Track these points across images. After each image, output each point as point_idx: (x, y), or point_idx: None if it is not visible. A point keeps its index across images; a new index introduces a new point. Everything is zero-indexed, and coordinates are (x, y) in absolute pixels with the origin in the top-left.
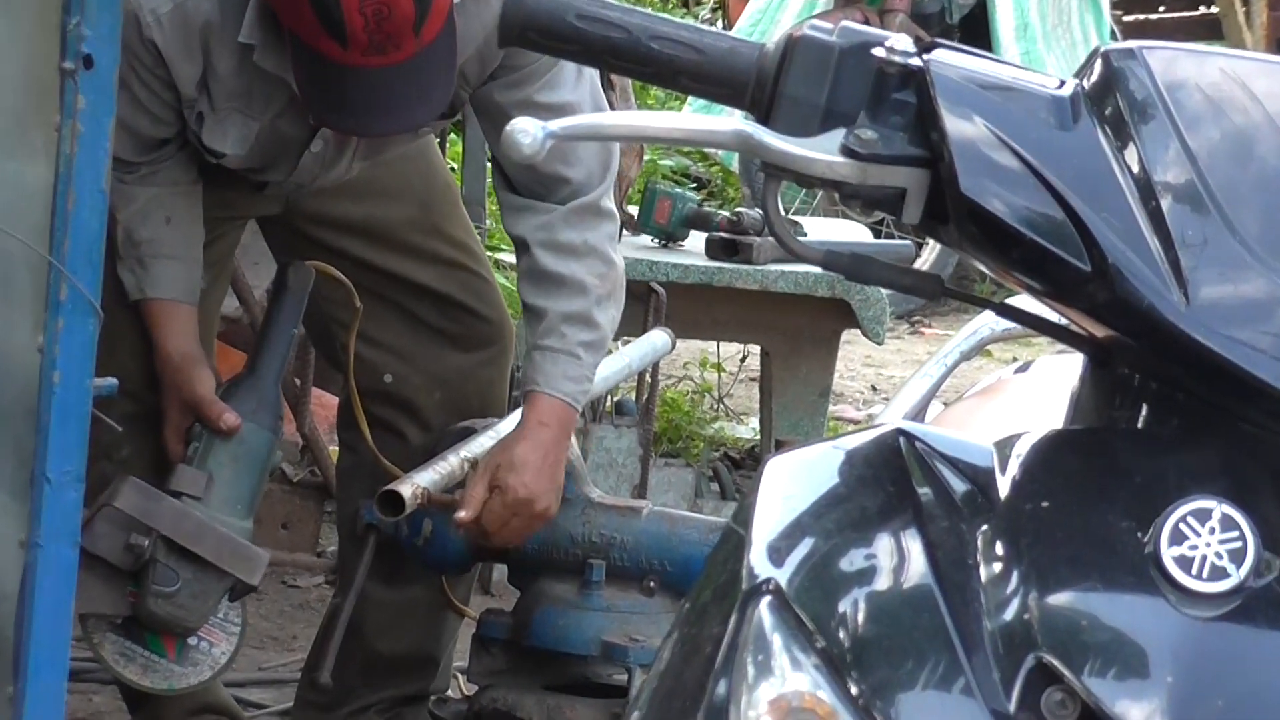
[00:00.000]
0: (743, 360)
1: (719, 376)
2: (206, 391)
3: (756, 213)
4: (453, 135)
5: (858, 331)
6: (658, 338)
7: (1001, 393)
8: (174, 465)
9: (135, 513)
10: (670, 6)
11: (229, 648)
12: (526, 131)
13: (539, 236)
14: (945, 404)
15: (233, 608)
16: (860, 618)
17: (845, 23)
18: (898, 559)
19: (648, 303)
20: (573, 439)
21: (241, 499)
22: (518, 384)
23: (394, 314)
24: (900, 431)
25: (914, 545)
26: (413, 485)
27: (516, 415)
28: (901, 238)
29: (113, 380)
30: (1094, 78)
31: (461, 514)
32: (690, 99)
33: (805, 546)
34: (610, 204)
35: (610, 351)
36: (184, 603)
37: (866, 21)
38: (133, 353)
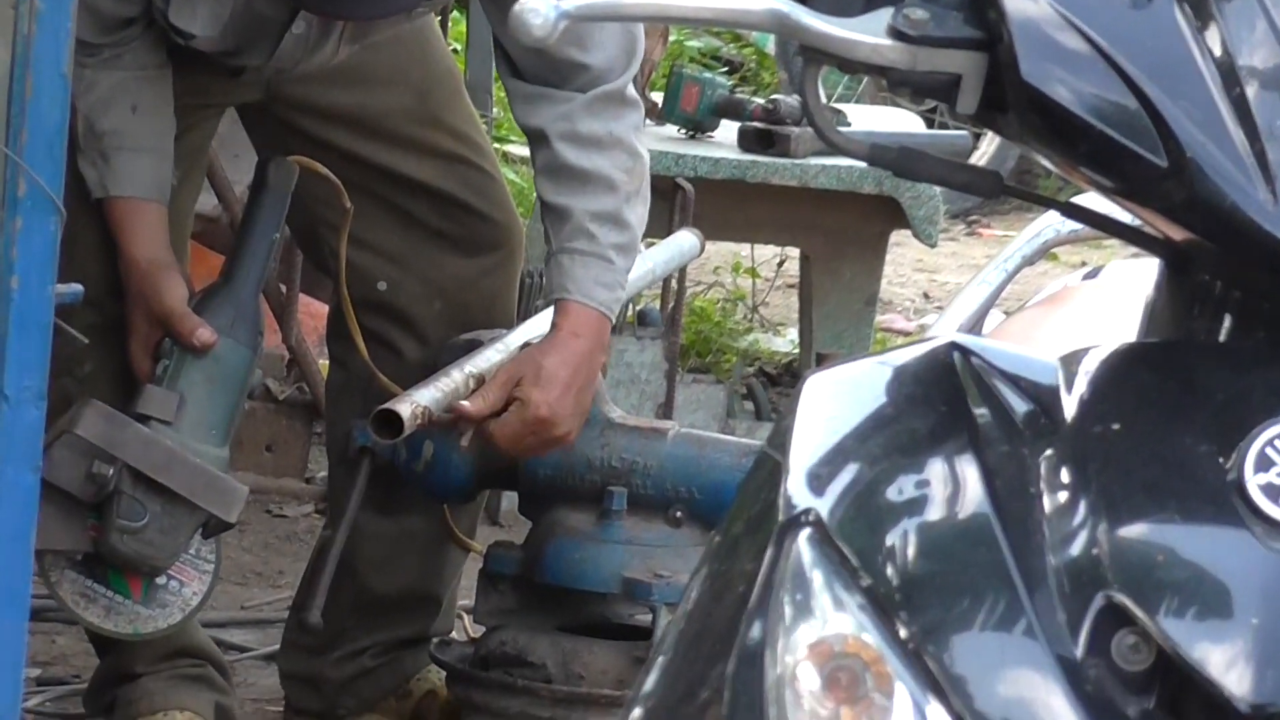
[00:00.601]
0: (780, 265)
1: (753, 283)
2: (177, 303)
3: (794, 100)
4: (455, 13)
5: (908, 232)
6: (685, 240)
7: (1068, 301)
8: (141, 385)
9: (98, 440)
10: None
11: (201, 588)
12: (536, 10)
13: (558, 128)
14: (1005, 314)
15: (206, 544)
16: (909, 552)
17: None
18: (951, 487)
19: (673, 200)
20: None
21: (217, 424)
22: (526, 293)
23: (388, 214)
24: (955, 345)
25: (969, 472)
26: (412, 403)
27: (527, 328)
28: (957, 128)
29: (77, 286)
30: None
31: (467, 405)
32: None
33: (848, 473)
34: (634, 92)
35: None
36: (151, 539)
37: None
38: (95, 257)
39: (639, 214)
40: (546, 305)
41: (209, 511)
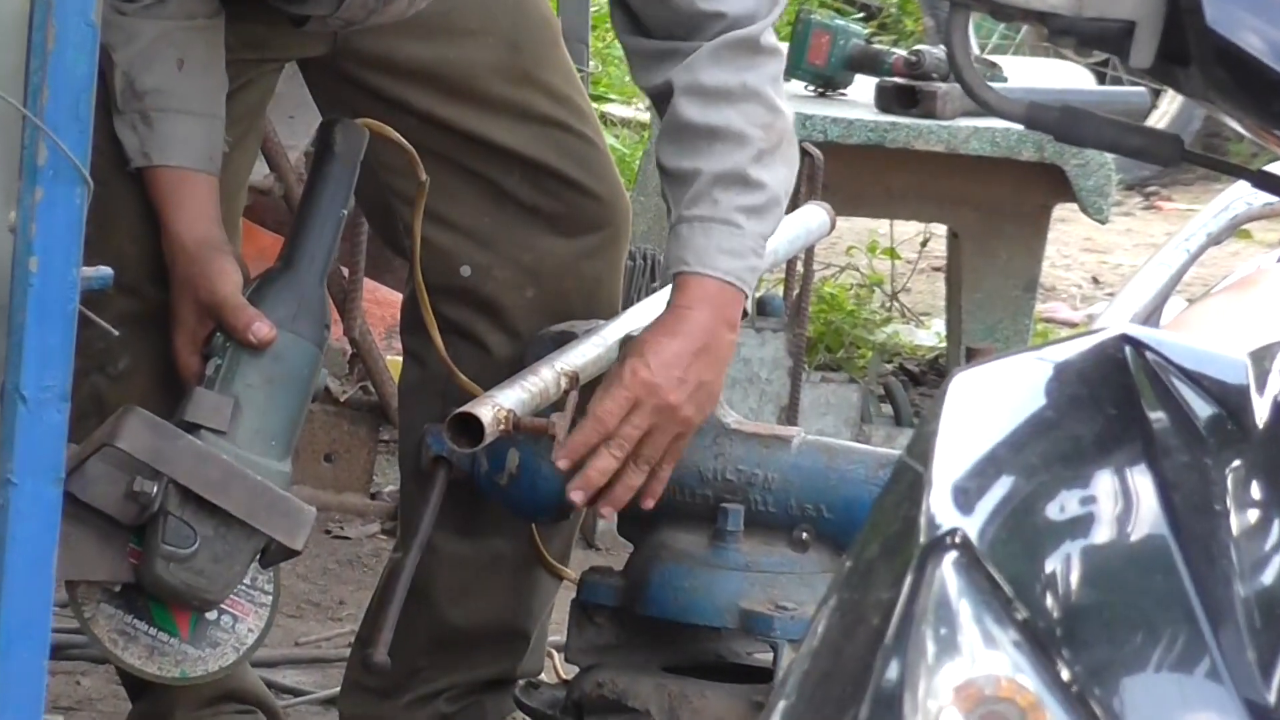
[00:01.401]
0: (923, 244)
1: (892, 265)
2: (231, 291)
3: (940, 51)
4: None
5: (1074, 206)
6: (812, 215)
7: (1261, 286)
8: (189, 387)
9: (141, 453)
10: None
11: (258, 624)
12: None
13: (683, 80)
14: (1188, 301)
15: (263, 574)
16: (1073, 580)
17: None
18: (1122, 503)
19: (800, 169)
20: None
21: (277, 434)
22: (632, 278)
23: (472, 187)
24: (1127, 338)
25: (1144, 485)
26: (495, 406)
27: (631, 316)
28: (1132, 84)
29: (107, 270)
30: None
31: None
32: None
33: (1002, 487)
34: (774, 39)
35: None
36: (202, 568)
37: None
38: (133, 236)
39: (777, 174)
40: (663, 285)
41: (269, 536)
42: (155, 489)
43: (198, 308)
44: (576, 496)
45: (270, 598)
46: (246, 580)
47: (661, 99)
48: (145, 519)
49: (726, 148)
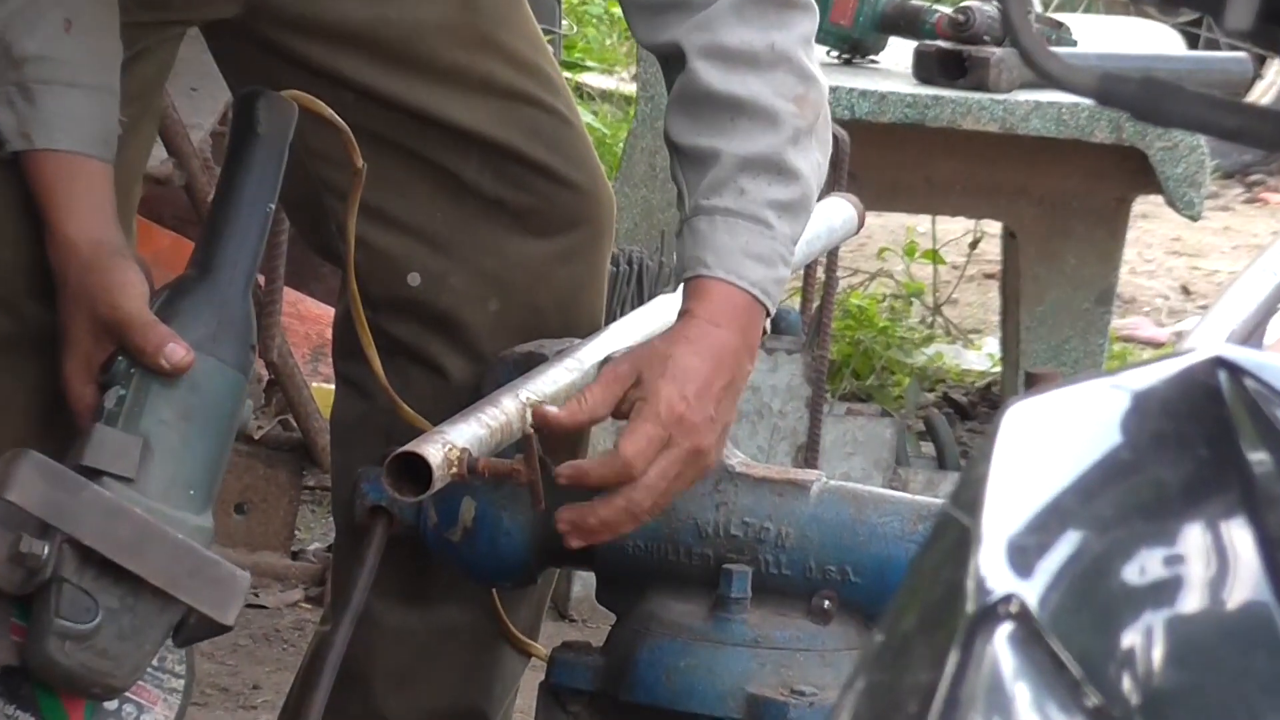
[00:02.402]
0: (973, 246)
1: (935, 272)
2: (137, 305)
3: (994, 9)
4: None
5: (1159, 199)
6: (836, 211)
7: None
8: (84, 425)
9: (33, 506)
10: None
11: (167, 714)
12: None
13: (697, 41)
14: None
15: (173, 652)
16: (1156, 658)
17: None
18: (1216, 564)
19: None
20: None
21: (196, 481)
22: (617, 287)
23: (422, 177)
24: (1223, 362)
25: (1243, 542)
26: (445, 445)
27: (614, 334)
28: (1230, 50)
29: None
30: None
31: (555, 411)
32: None
33: (1068, 544)
34: None
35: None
36: (105, 647)
37: None
38: (10, 238)
39: (813, 160)
40: (675, 285)
41: (190, 608)
42: (47, 550)
43: (94, 326)
44: (565, 530)
45: (183, 681)
46: (154, 662)
47: (670, 60)
48: (33, 587)
49: (754, 126)
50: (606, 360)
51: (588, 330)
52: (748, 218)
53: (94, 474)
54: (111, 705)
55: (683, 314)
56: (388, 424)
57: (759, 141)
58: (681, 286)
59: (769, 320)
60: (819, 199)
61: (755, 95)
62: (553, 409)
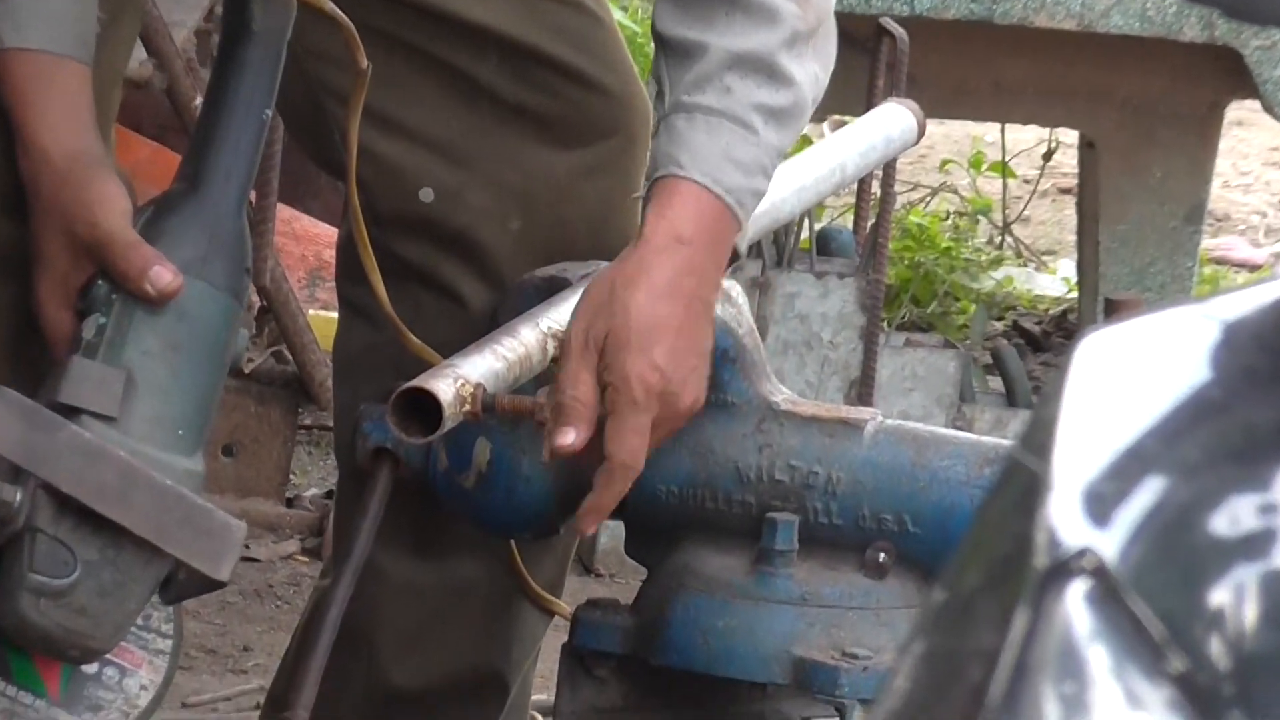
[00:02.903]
0: (1046, 157)
1: (1004, 186)
2: (118, 222)
3: None
4: None
5: (1256, 105)
6: (893, 119)
7: None
8: (59, 356)
9: (6, 448)
10: None
11: (153, 678)
12: None
13: None
14: None
15: (159, 610)
16: (1248, 617)
17: None
18: None
19: (875, 55)
20: (737, 287)
21: (186, 419)
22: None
23: (435, 80)
24: None
25: None
26: (457, 379)
27: None
28: None
29: None
30: None
31: (563, 440)
32: None
33: (1150, 492)
34: None
35: (806, 137)
36: (84, 604)
37: None
38: None
39: (810, 70)
40: (646, 190)
41: (178, 560)
42: (19, 497)
43: (71, 246)
44: (586, 528)
45: (170, 642)
46: (139, 620)
47: None
48: (4, 539)
49: (749, 21)
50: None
51: (619, 251)
52: (731, 118)
53: (71, 412)
54: (91, 669)
55: (643, 224)
56: (397, 356)
57: (751, 38)
58: (646, 190)
59: (812, 238)
60: (874, 105)
61: None
62: (569, 438)
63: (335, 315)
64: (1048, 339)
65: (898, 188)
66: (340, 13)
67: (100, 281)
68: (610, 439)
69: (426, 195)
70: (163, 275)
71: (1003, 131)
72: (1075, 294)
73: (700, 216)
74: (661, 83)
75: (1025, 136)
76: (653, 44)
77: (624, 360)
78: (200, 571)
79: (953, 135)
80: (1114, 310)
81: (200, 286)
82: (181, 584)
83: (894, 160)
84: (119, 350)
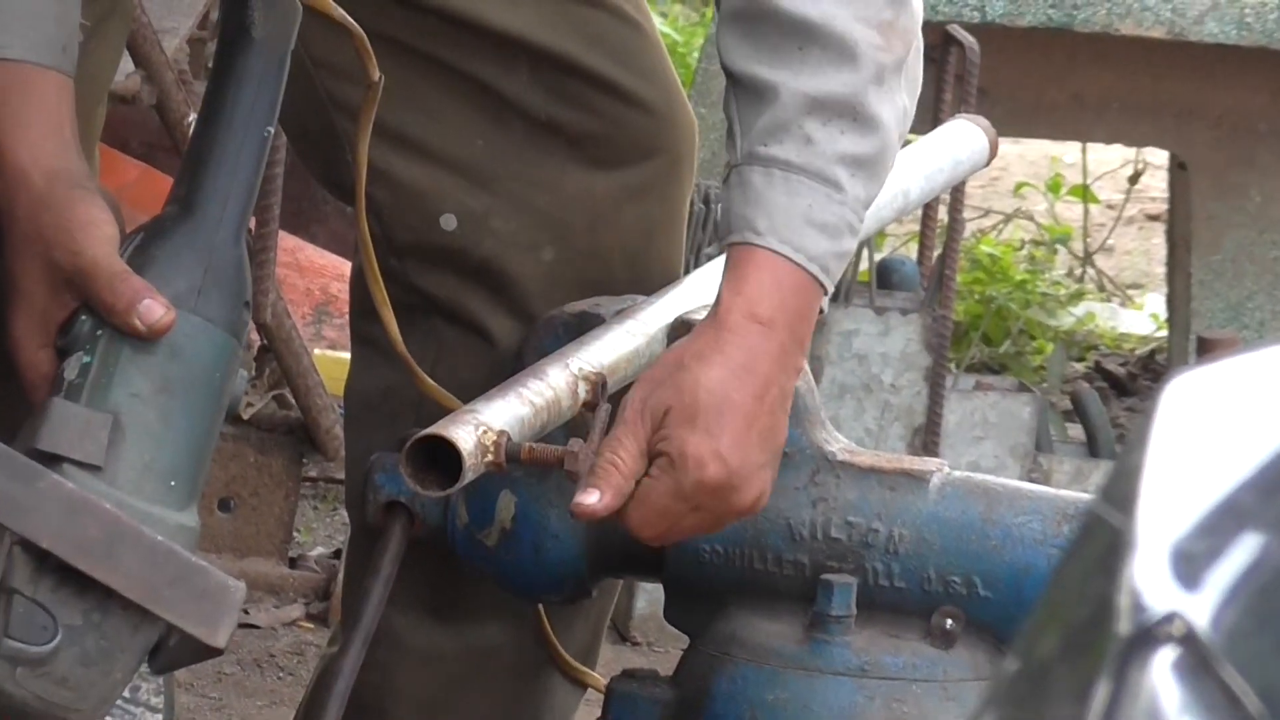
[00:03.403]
0: (1132, 180)
1: (1085, 212)
2: (104, 250)
3: None
4: None
5: None
6: (962, 137)
7: None
8: (38, 399)
9: None
10: None
11: None
12: None
13: None
14: None
15: (149, 680)
16: None
17: None
18: None
19: (942, 66)
20: None
21: (178, 469)
22: (698, 228)
23: (458, 95)
24: None
25: None
26: (479, 426)
27: (687, 290)
28: None
29: None
30: None
31: (586, 500)
32: None
33: (1245, 551)
34: None
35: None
36: (66, 674)
37: None
38: None
39: (899, 106)
40: (719, 252)
41: (171, 625)
42: None
43: (51, 276)
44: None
45: (160, 717)
46: (126, 693)
47: None
48: None
49: (826, 57)
50: (679, 325)
51: (661, 284)
52: (813, 174)
53: (52, 460)
54: None
55: (720, 300)
56: (418, 400)
57: (832, 79)
58: (723, 255)
59: (872, 271)
60: (942, 123)
61: (829, 19)
62: (593, 498)
63: (342, 355)
64: (1133, 382)
65: (967, 214)
66: (350, 19)
67: (84, 316)
68: (633, 502)
69: (449, 222)
70: (153, 309)
71: (1084, 151)
72: (1164, 332)
73: (780, 290)
74: (732, 122)
75: (1109, 157)
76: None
77: (685, 437)
78: (194, 638)
79: (1028, 155)
80: (1207, 349)
81: (194, 322)
82: (173, 651)
83: (963, 183)
84: (105, 392)
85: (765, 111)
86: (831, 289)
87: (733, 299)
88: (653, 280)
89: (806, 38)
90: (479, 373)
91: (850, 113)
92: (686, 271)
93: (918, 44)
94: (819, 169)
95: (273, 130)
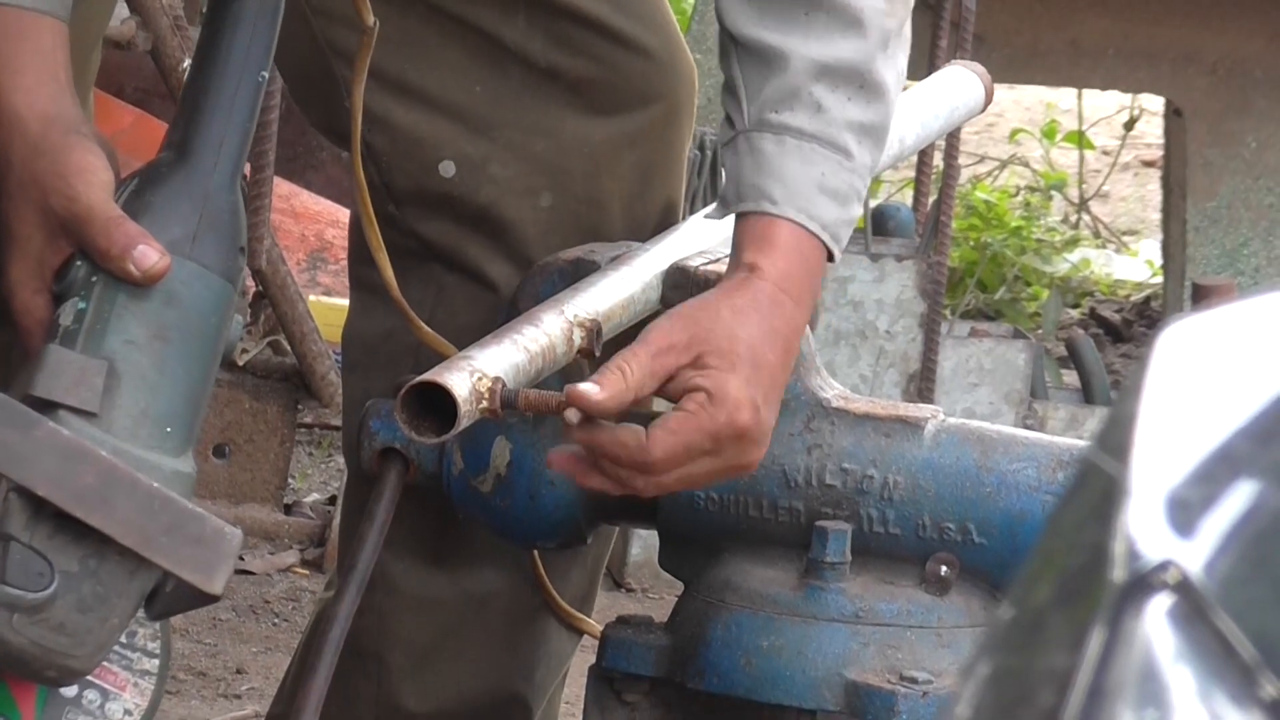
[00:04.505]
0: (1128, 126)
1: (1080, 159)
2: (100, 196)
3: None
4: None
5: None
6: (958, 83)
7: None
8: (34, 344)
9: None
10: None
11: (139, 702)
12: None
13: None
14: None
15: (146, 627)
16: None
17: None
18: None
19: (938, 11)
20: None
21: (174, 415)
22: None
23: (455, 40)
24: None
25: None
26: (474, 373)
27: (684, 236)
28: None
29: None
30: None
31: (589, 389)
32: None
33: (1240, 498)
34: None
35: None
36: (62, 620)
37: None
38: None
39: (898, 69)
40: (722, 215)
41: (166, 571)
42: None
43: (46, 221)
44: (560, 467)
45: (157, 662)
46: (123, 638)
47: None
48: None
49: (833, 23)
50: (679, 279)
51: (658, 230)
52: (825, 142)
53: (47, 407)
54: (70, 691)
55: (747, 268)
56: (417, 344)
57: (841, 45)
58: (733, 221)
59: (868, 218)
60: (937, 69)
61: None
62: (590, 387)
63: (338, 301)
64: (1129, 328)
65: (962, 160)
66: None
67: (79, 262)
68: (658, 431)
69: (447, 169)
70: (148, 255)
71: (1079, 98)
72: (1159, 278)
73: (804, 263)
74: (735, 85)
75: (1105, 103)
76: (719, 34)
77: (727, 378)
78: (190, 584)
79: (1024, 101)
80: (1202, 296)
81: (190, 268)
82: (169, 598)
83: (958, 129)
84: (100, 338)
85: (773, 78)
86: (839, 255)
87: (769, 267)
88: (651, 226)
89: (812, 2)
90: (477, 318)
91: (859, 79)
92: (684, 218)
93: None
94: (831, 136)
95: (267, 75)
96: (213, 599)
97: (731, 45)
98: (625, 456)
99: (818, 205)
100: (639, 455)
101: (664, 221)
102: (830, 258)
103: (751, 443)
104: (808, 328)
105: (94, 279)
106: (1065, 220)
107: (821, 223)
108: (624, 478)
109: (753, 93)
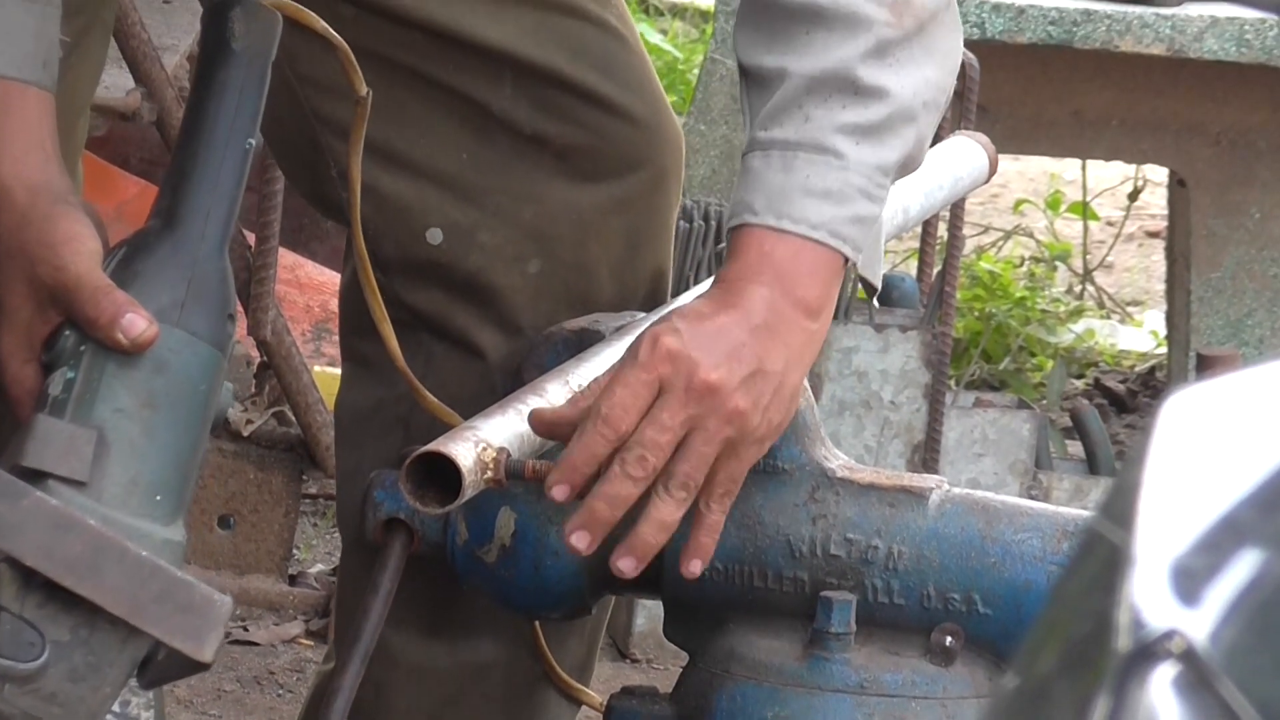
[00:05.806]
0: (1132, 197)
1: (1085, 229)
2: (87, 265)
3: None
4: None
5: None
6: (962, 154)
7: None
8: (23, 414)
9: None
10: None
11: None
12: None
13: None
14: None
15: (139, 695)
16: None
17: None
18: None
19: None
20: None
21: (164, 484)
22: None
23: (443, 109)
24: None
25: None
26: (478, 443)
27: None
28: None
29: None
30: None
31: (544, 406)
32: None
33: (1245, 567)
34: None
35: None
36: (54, 690)
37: None
38: None
39: (915, 76)
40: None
41: (157, 641)
42: None
43: (34, 292)
44: (577, 542)
45: None
46: (115, 707)
47: None
48: None
49: (830, 37)
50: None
51: (648, 298)
52: (810, 147)
53: (36, 476)
54: None
55: (715, 278)
56: (407, 414)
57: (831, 55)
58: (727, 241)
59: (869, 269)
60: (941, 140)
61: (837, 2)
62: (544, 405)
63: None
64: (1133, 399)
65: (967, 230)
66: (334, 33)
67: (67, 331)
68: (603, 388)
69: (435, 236)
70: (136, 323)
71: (1084, 168)
72: (1164, 349)
73: (773, 263)
74: (744, 115)
75: (1109, 174)
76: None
77: (667, 336)
78: (182, 652)
79: (1028, 172)
80: (1207, 367)
81: (178, 335)
82: (161, 665)
83: (962, 200)
84: (89, 407)
85: (770, 98)
86: (855, 253)
87: (731, 271)
88: (639, 293)
89: (814, 21)
90: (468, 387)
91: (849, 86)
92: (676, 286)
93: (947, 17)
94: (815, 140)
95: (254, 143)
96: (203, 667)
97: (741, 75)
98: (597, 439)
99: (800, 207)
100: (596, 424)
101: (654, 288)
102: (846, 257)
103: (704, 370)
104: (810, 395)
105: (82, 348)
106: (1070, 291)
107: (810, 223)
108: (597, 447)
109: (752, 116)
